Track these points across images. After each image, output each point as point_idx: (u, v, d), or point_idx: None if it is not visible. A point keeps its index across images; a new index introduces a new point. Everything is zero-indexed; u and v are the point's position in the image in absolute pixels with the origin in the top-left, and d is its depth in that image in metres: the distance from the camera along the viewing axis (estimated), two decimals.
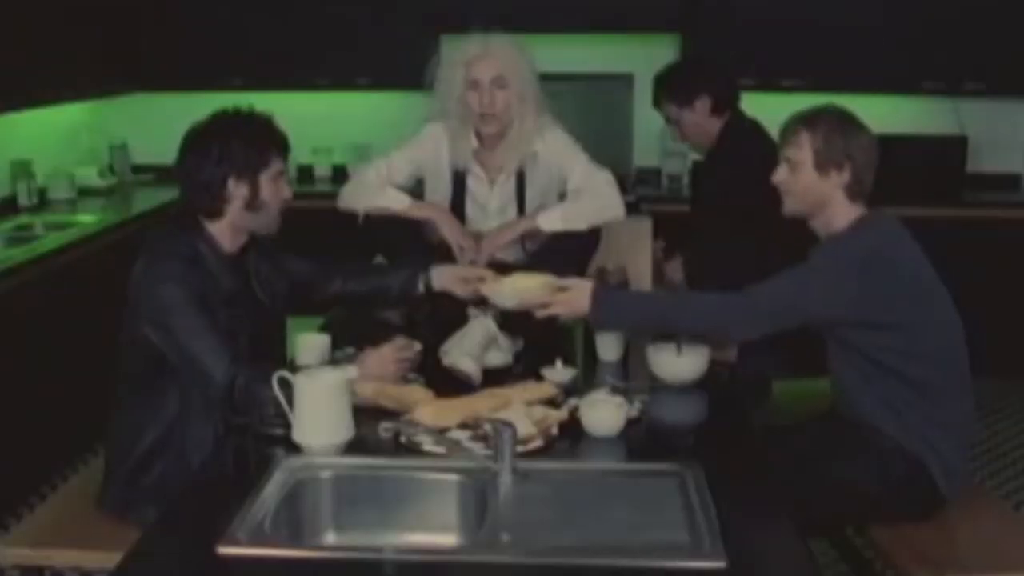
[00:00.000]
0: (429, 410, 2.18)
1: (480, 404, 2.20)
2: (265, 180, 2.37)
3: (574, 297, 2.41)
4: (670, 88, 3.55)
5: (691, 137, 3.59)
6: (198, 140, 2.37)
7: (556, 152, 2.99)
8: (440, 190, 3.07)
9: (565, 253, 2.79)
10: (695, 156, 3.86)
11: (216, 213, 2.37)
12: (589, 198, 2.87)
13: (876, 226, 2.39)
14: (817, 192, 2.39)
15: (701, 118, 3.49)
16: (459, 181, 3.04)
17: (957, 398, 2.39)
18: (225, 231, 2.39)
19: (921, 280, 2.36)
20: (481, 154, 3.01)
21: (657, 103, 3.61)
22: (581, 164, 2.97)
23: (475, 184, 3.03)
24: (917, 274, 2.36)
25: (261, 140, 2.37)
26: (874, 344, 2.33)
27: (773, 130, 3.52)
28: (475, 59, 2.87)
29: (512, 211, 3.03)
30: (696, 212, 3.82)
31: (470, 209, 3.05)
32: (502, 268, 2.95)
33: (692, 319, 2.41)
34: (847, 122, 2.40)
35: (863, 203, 2.41)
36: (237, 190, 2.35)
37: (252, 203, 2.36)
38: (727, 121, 3.50)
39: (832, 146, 2.36)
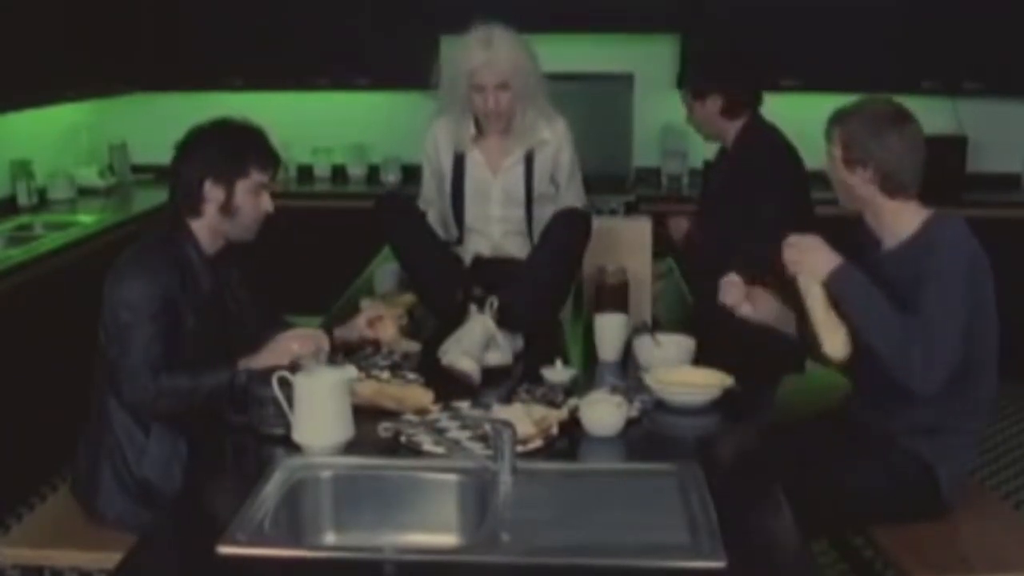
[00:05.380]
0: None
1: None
2: (242, 188, 2.39)
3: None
4: (689, 75, 3.52)
5: (701, 128, 3.54)
6: (188, 139, 2.42)
7: (559, 141, 3.03)
8: (446, 178, 3.09)
9: (562, 246, 2.79)
10: (707, 156, 3.87)
11: (195, 211, 2.40)
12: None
13: (955, 226, 2.30)
14: (849, 186, 2.37)
15: (710, 115, 3.43)
16: (458, 164, 3.05)
17: (983, 411, 2.40)
18: (205, 232, 2.41)
19: (988, 290, 2.33)
20: (481, 141, 3.03)
21: (680, 84, 3.58)
22: (575, 182, 3.06)
23: (475, 169, 3.04)
24: (990, 283, 2.33)
25: (244, 149, 2.40)
26: None
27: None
28: (478, 67, 2.86)
29: (519, 197, 3.03)
30: (701, 208, 3.80)
31: (469, 194, 3.05)
32: (509, 262, 2.95)
33: (885, 335, 2.23)
34: (880, 120, 2.33)
35: (906, 197, 2.35)
36: (213, 192, 2.38)
37: (226, 207, 2.39)
38: (744, 124, 3.42)
39: (856, 144, 2.33)
